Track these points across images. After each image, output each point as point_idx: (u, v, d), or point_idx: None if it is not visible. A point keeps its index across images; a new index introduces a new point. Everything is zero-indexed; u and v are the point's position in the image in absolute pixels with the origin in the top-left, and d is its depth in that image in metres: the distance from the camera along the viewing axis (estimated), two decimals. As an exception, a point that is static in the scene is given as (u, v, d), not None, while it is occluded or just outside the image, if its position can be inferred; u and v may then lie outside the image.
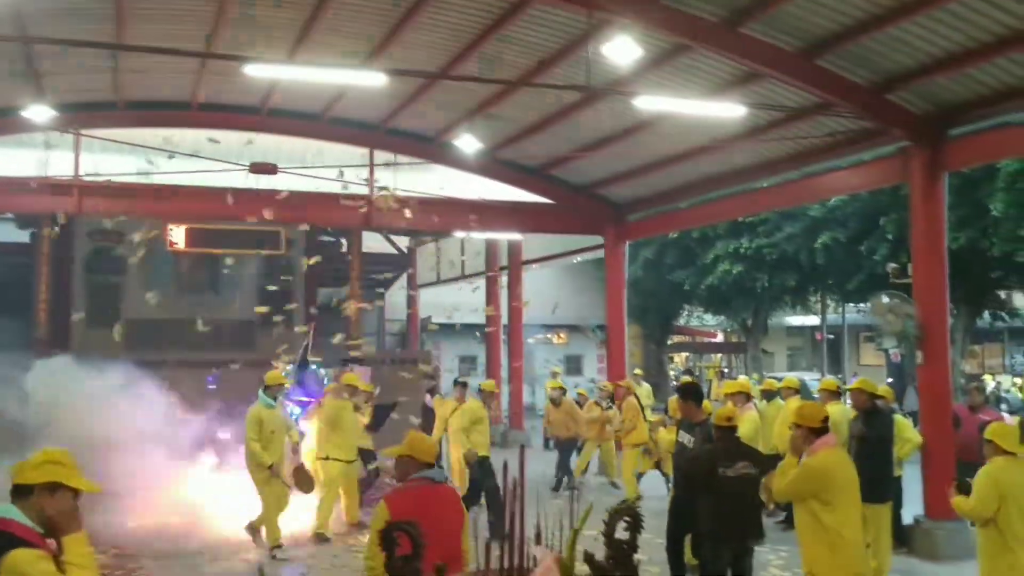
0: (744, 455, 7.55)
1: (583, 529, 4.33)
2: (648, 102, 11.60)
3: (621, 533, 4.45)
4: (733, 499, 7.30)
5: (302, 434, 11.84)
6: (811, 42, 10.74)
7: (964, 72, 10.39)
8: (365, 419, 12.26)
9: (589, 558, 4.11)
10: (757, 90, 12.10)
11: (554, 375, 22.80)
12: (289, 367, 13.56)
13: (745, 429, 9.82)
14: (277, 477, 10.58)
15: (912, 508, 11.10)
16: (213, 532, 11.05)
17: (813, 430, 6.08)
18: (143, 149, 14.87)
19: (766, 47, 10.91)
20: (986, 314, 26.28)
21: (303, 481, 11.13)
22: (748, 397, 11.66)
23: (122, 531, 10.51)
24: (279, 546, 10.39)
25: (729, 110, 11.71)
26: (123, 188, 15.44)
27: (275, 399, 10.93)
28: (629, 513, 4.58)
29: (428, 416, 14.92)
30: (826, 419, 6.20)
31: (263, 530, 10.66)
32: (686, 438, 8.33)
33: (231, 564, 10.13)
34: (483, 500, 11.43)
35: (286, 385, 11.62)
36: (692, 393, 8.66)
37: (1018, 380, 26.62)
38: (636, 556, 4.49)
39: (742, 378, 19.16)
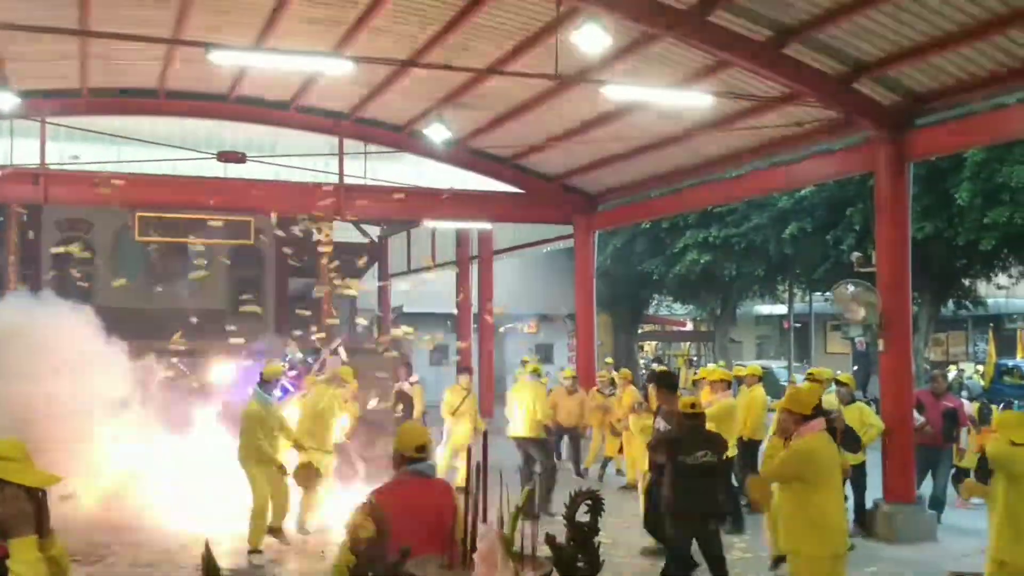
0: (705, 443, 7.84)
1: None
2: (617, 91, 11.66)
3: (582, 516, 4.52)
4: (692, 485, 7.65)
5: None
6: (779, 31, 10.82)
7: (930, 62, 10.52)
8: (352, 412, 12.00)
9: (550, 540, 4.16)
10: (726, 79, 12.19)
11: (524, 364, 22.84)
12: (299, 354, 13.51)
13: (714, 413, 10.01)
14: (282, 477, 10.07)
15: (873, 493, 11.29)
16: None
17: (804, 416, 6.27)
18: (111, 137, 14.76)
19: (734, 36, 10.98)
20: (951, 303, 26.61)
21: (308, 478, 10.51)
22: (728, 384, 11.77)
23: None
24: (259, 551, 9.65)
25: (698, 99, 11.80)
26: (90, 177, 15.32)
27: (271, 394, 10.44)
28: (590, 496, 4.66)
29: (406, 403, 14.87)
30: (818, 406, 6.38)
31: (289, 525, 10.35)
32: (662, 424, 8.44)
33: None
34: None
35: (283, 380, 11.20)
36: (665, 381, 8.78)
37: (980, 367, 27.00)
38: (597, 538, 4.55)
39: (711, 365, 19.38)
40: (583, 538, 4.21)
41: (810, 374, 11.41)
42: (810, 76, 11.38)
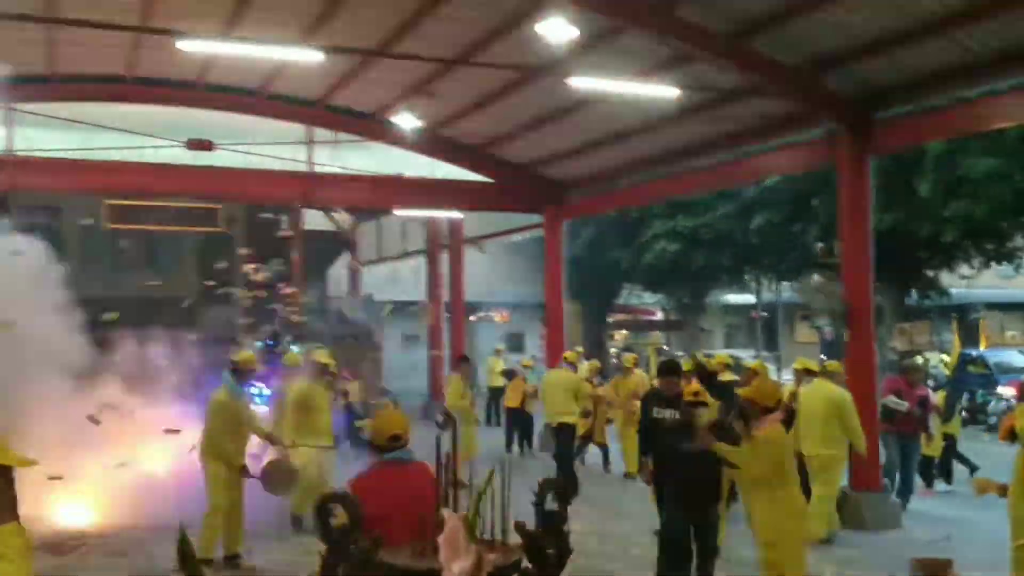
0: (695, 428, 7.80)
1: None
2: (583, 82, 11.75)
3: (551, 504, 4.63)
4: (688, 473, 7.63)
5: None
6: (744, 24, 10.95)
7: (891, 56, 10.68)
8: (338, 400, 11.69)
9: (520, 527, 4.25)
10: (691, 71, 12.30)
11: (497, 352, 22.97)
12: (258, 343, 13.24)
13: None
14: (239, 480, 9.11)
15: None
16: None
17: (767, 408, 6.39)
18: (78, 124, 14.65)
19: (700, 29, 11.09)
20: (914, 293, 26.98)
21: (280, 481, 9.40)
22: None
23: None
24: (208, 561, 8.45)
25: (664, 91, 11.91)
26: (58, 164, 15.20)
27: (244, 385, 9.52)
28: (559, 484, 4.76)
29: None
30: (780, 399, 6.49)
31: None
32: (667, 412, 8.47)
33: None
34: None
35: (257, 369, 9.99)
36: (675, 370, 8.83)
37: (944, 356, 27.36)
38: (566, 526, 4.66)
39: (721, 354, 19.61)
40: (552, 525, 4.31)
41: (824, 367, 11.42)
42: (774, 69, 11.52)
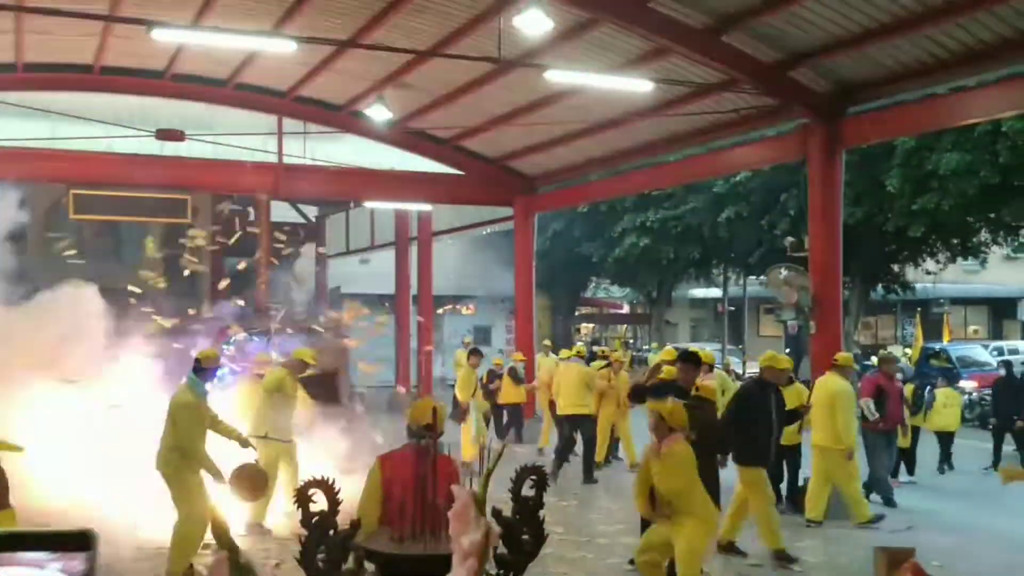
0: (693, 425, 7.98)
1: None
2: (559, 75, 11.76)
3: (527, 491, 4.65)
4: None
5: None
6: (718, 19, 11.02)
7: (863, 52, 10.81)
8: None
9: (497, 514, 4.28)
10: (665, 65, 12.36)
11: (465, 345, 22.94)
12: (241, 335, 13.08)
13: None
14: (204, 488, 8.16)
15: (806, 471, 11.61)
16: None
17: (673, 428, 6.80)
18: (45, 113, 14.47)
19: (674, 23, 11.15)
20: (880, 287, 27.30)
21: (255, 487, 8.67)
22: (710, 367, 11.98)
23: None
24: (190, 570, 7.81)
25: (638, 85, 11.95)
26: (25, 153, 14.98)
27: (207, 383, 8.69)
28: (535, 472, 4.79)
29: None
30: (685, 424, 6.92)
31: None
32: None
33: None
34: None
35: (221, 366, 9.35)
36: (694, 360, 8.92)
37: (908, 350, 27.73)
38: (542, 512, 4.69)
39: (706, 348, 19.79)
40: (528, 512, 4.34)
41: (835, 360, 11.34)
42: (747, 64, 11.61)
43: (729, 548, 8.99)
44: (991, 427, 15.97)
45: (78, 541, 1.10)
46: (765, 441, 9.14)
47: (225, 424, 8.84)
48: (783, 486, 11.41)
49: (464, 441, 13.90)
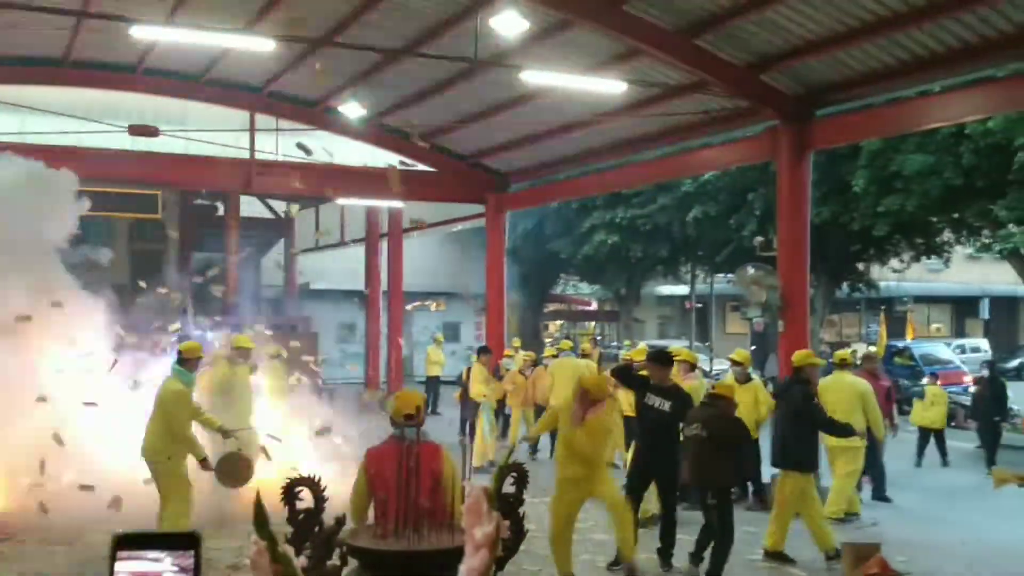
0: (699, 419, 8.40)
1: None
2: (533, 76, 11.85)
3: (508, 488, 4.75)
4: (685, 453, 8.42)
5: None
6: (690, 21, 11.16)
7: (831, 55, 11.01)
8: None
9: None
10: (637, 67, 12.50)
11: (437, 342, 23.00)
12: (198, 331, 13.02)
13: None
14: (187, 475, 8.76)
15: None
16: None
17: (597, 399, 7.61)
18: (14, 107, 14.32)
19: (647, 25, 11.28)
20: (845, 285, 27.63)
21: (237, 473, 9.04)
22: (692, 366, 12.08)
23: None
24: None
25: (611, 86, 12.07)
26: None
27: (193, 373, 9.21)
28: (516, 470, 4.89)
29: None
30: (607, 394, 7.82)
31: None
32: (656, 401, 8.67)
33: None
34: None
35: (202, 357, 9.69)
36: (662, 359, 9.04)
37: (872, 348, 28.11)
38: (522, 509, 4.79)
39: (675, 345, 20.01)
40: (508, 508, 4.44)
41: (842, 359, 11.68)
42: (718, 66, 11.77)
43: (777, 556, 9.01)
44: (976, 428, 16.12)
45: (187, 541, 1.23)
46: (813, 445, 9.25)
47: (206, 415, 9.09)
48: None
49: (477, 440, 14.12)
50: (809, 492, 9.11)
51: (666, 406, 8.53)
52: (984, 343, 34.88)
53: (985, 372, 16.55)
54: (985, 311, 39.03)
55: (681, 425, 8.52)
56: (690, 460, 8.33)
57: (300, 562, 2.92)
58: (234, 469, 8.90)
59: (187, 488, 8.61)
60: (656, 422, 8.57)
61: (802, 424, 9.04)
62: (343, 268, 28.55)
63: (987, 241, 21.48)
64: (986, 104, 11.25)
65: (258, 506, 1.65)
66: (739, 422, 8.81)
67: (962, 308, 43.65)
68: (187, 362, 9.07)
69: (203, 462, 8.73)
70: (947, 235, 24.09)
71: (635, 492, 8.72)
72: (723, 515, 8.22)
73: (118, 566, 1.23)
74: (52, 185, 10.97)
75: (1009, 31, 9.43)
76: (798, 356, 9.53)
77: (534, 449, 14.87)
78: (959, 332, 43.35)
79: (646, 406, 8.75)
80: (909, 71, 10.64)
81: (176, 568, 1.23)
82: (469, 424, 15.92)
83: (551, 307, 42.26)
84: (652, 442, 8.67)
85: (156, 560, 1.22)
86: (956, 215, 20.96)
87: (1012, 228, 18.91)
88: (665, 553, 8.73)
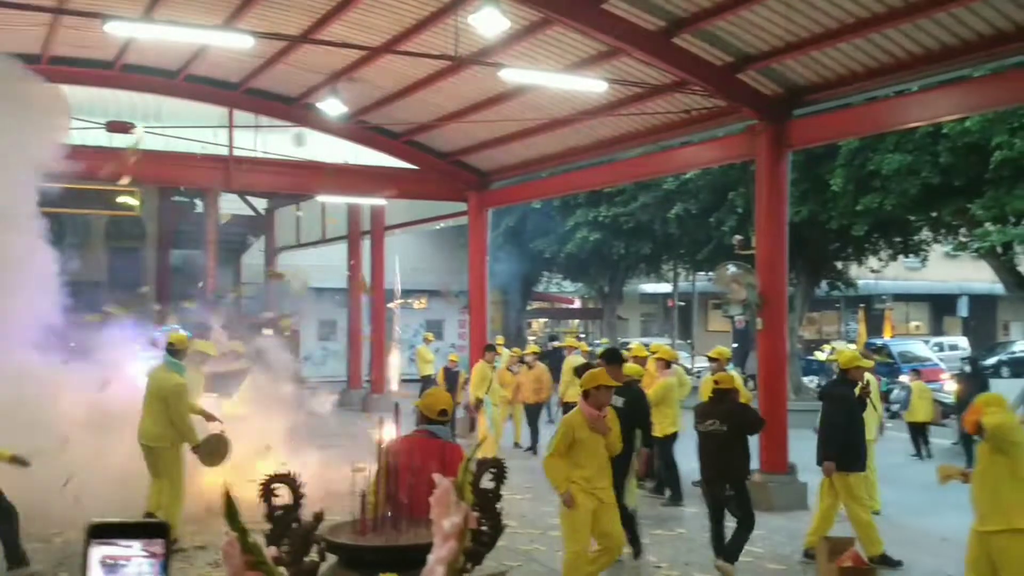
0: (716, 414, 8.62)
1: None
2: (514, 74, 11.88)
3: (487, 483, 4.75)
4: (705, 448, 8.69)
5: None
6: (670, 21, 11.21)
7: (810, 56, 11.08)
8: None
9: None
10: (618, 66, 12.54)
11: (427, 341, 23.01)
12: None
13: (655, 392, 11.47)
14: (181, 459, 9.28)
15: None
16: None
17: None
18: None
19: (627, 24, 11.32)
20: (824, 284, 27.80)
21: (215, 452, 9.56)
22: (668, 364, 12.41)
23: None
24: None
25: (592, 85, 12.11)
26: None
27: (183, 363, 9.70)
28: (495, 464, 4.90)
29: None
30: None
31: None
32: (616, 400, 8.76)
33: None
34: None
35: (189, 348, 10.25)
36: (614, 357, 9.15)
37: (852, 345, 28.32)
38: (500, 504, 4.80)
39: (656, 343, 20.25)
40: (486, 504, 4.44)
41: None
42: (698, 66, 11.82)
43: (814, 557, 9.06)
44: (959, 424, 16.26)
45: (157, 530, 1.32)
46: (863, 445, 9.36)
47: (197, 404, 9.82)
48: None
49: (480, 436, 14.18)
50: (858, 492, 9.16)
51: (619, 402, 8.66)
52: (962, 341, 35.19)
53: (967, 368, 16.73)
54: (963, 309, 39.34)
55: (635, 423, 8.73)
56: (710, 456, 8.59)
57: (271, 551, 2.94)
58: (215, 448, 9.45)
59: (183, 473, 9.16)
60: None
61: (851, 425, 9.16)
62: (324, 265, 28.50)
63: (964, 240, 21.62)
64: (962, 104, 11.35)
65: (228, 498, 1.68)
66: (750, 409, 9.23)
67: (940, 306, 43.98)
68: (178, 352, 9.61)
69: (196, 448, 9.24)
70: (925, 234, 24.26)
71: None
72: (743, 503, 8.55)
73: (92, 551, 1.29)
74: (39, 95, 10.67)
75: (984, 31, 9.52)
76: (845, 358, 9.59)
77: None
78: (937, 330, 43.68)
79: None
80: (886, 71, 10.72)
81: (146, 553, 1.29)
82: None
83: (534, 305, 42.30)
84: None
85: (127, 547, 1.29)
86: (934, 214, 21.09)
87: (989, 227, 19.04)
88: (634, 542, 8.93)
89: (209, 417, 9.77)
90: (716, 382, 9.03)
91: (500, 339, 22.33)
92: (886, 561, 8.93)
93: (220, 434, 9.64)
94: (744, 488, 8.60)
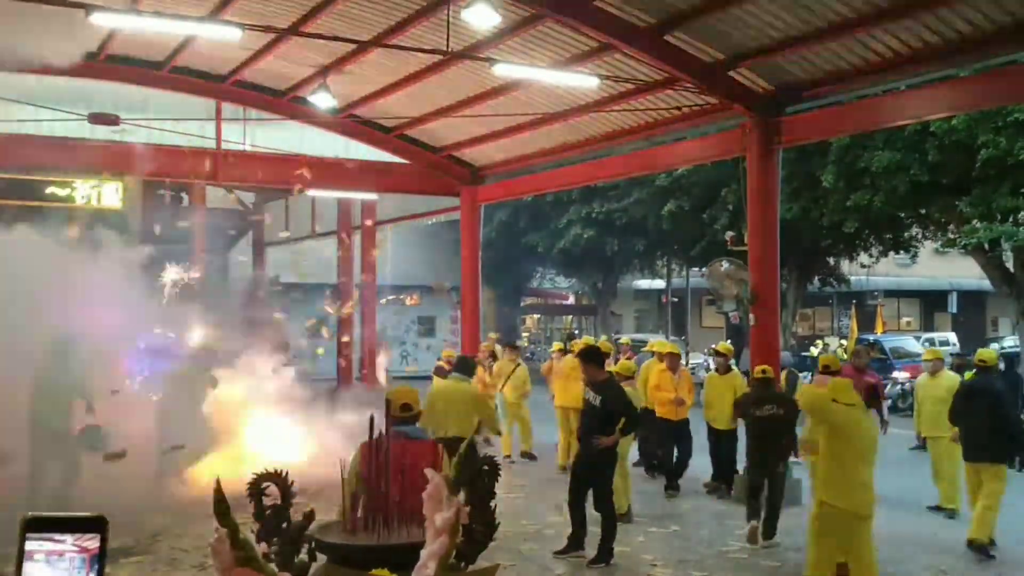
0: (772, 399, 9.56)
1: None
2: (506, 70, 11.84)
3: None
4: (761, 432, 9.48)
5: None
6: (662, 18, 11.18)
7: (801, 54, 11.07)
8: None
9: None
10: (610, 62, 12.50)
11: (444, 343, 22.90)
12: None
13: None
14: None
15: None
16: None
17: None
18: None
19: (619, 21, 11.28)
20: (816, 280, 27.86)
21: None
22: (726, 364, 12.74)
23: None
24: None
25: (584, 81, 12.08)
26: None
27: None
28: (488, 463, 4.87)
29: None
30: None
31: None
32: (591, 395, 8.78)
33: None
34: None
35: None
36: (592, 356, 9.14)
37: (844, 342, 28.38)
38: (494, 502, 4.77)
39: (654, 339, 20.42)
40: (480, 501, 4.41)
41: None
42: (690, 63, 11.80)
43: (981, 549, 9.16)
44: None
45: (94, 524, 1.32)
46: (1004, 436, 9.49)
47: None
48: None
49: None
50: (998, 482, 9.30)
51: (598, 400, 8.67)
52: (952, 336, 35.26)
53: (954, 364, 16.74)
54: (953, 305, 39.44)
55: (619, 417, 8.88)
56: (763, 440, 9.35)
57: (261, 548, 2.92)
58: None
59: None
60: (589, 415, 8.89)
61: (1000, 417, 9.33)
62: (314, 261, 28.37)
63: (952, 237, 21.70)
64: (950, 103, 11.46)
65: (219, 495, 1.65)
66: (791, 398, 9.74)
67: (931, 302, 44.11)
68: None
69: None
70: (914, 230, 24.33)
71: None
72: (781, 482, 9.51)
73: (27, 546, 1.30)
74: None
75: (968, 33, 9.58)
76: (986, 354, 10.07)
77: None
78: (928, 326, 43.81)
79: (584, 400, 9.07)
80: (875, 70, 10.74)
81: (76, 548, 1.30)
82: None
83: (528, 301, 42.28)
84: (583, 435, 9.01)
85: (60, 541, 1.30)
86: (922, 211, 21.19)
87: (976, 224, 19.12)
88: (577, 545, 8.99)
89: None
90: (763, 371, 9.88)
91: (493, 335, 22.23)
92: (982, 550, 9.07)
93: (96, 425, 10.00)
94: (787, 469, 9.62)
